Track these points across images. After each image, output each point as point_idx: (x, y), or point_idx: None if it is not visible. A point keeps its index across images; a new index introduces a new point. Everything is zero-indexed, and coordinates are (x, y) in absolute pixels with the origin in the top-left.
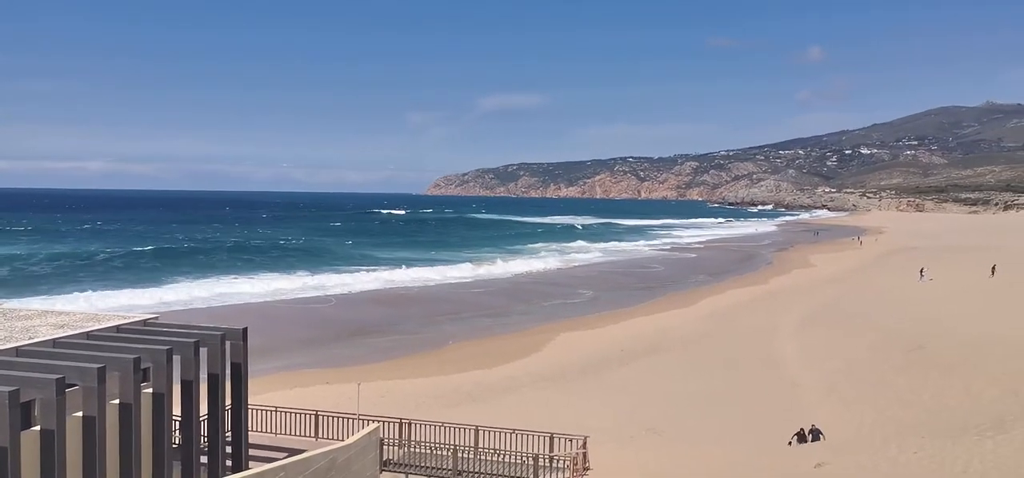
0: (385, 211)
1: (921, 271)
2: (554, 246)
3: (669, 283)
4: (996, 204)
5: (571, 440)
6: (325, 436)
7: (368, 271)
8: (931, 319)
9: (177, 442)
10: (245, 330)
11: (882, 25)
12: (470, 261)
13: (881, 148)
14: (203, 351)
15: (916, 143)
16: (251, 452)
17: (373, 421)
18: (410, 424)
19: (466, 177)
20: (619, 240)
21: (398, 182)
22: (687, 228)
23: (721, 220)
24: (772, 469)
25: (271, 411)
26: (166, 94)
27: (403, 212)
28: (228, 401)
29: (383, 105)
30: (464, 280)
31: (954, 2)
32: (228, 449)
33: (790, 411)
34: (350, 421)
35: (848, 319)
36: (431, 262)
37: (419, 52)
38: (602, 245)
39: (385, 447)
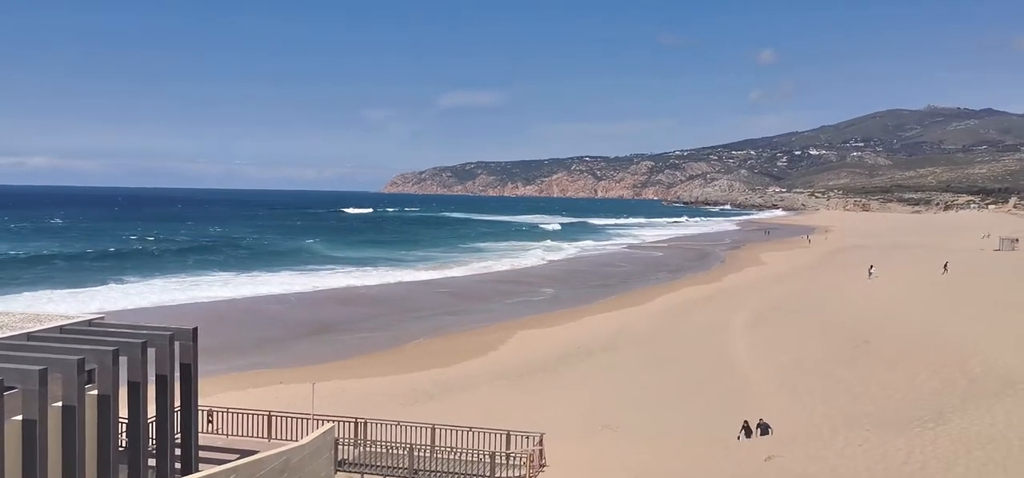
0: (350, 210)
1: (870, 268)
2: (516, 245)
3: (626, 281)
4: (937, 204)
5: (528, 437)
6: (278, 437)
7: (328, 270)
8: (877, 315)
9: (124, 445)
10: (195, 330)
11: (830, 30)
12: (431, 260)
13: (829, 149)
14: (151, 352)
15: (862, 145)
16: (201, 454)
17: (328, 421)
18: (365, 423)
19: (424, 175)
20: (580, 239)
21: (355, 180)
22: (644, 227)
23: (676, 219)
24: (724, 462)
25: (222, 412)
26: (113, 87)
27: (368, 211)
28: (177, 402)
29: (339, 101)
30: (425, 279)
31: (898, 9)
32: (177, 451)
33: (742, 405)
34: (304, 421)
35: (798, 315)
36: (392, 261)
37: (375, 47)
38: (564, 244)
39: (340, 447)
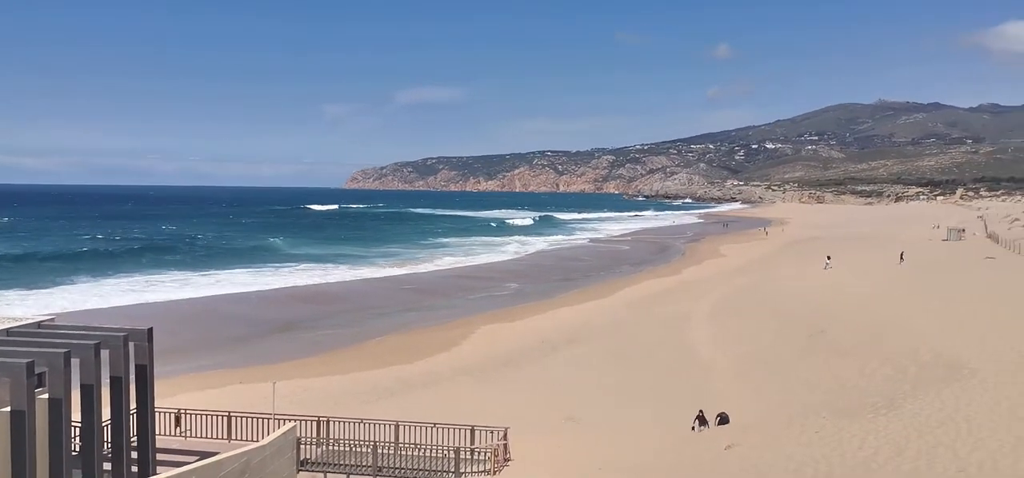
0: (315, 207)
1: (827, 259)
2: (479, 240)
3: (589, 275)
4: (888, 196)
5: (492, 432)
6: (238, 438)
7: (290, 268)
8: (832, 305)
9: (77, 449)
10: (150, 330)
11: (783, 25)
12: (395, 256)
13: (784, 143)
14: (105, 353)
15: (816, 138)
16: (159, 457)
17: (289, 420)
18: (328, 422)
19: (384, 171)
20: (543, 234)
21: (313, 176)
22: (606, 221)
23: (637, 213)
24: (685, 452)
25: (180, 413)
26: (60, 82)
27: (333, 208)
28: (133, 405)
29: (297, 97)
30: (388, 276)
31: (849, 6)
32: (134, 455)
33: (703, 396)
34: (265, 421)
35: (756, 306)
36: (356, 258)
37: (334, 43)
38: (527, 238)
39: (302, 446)
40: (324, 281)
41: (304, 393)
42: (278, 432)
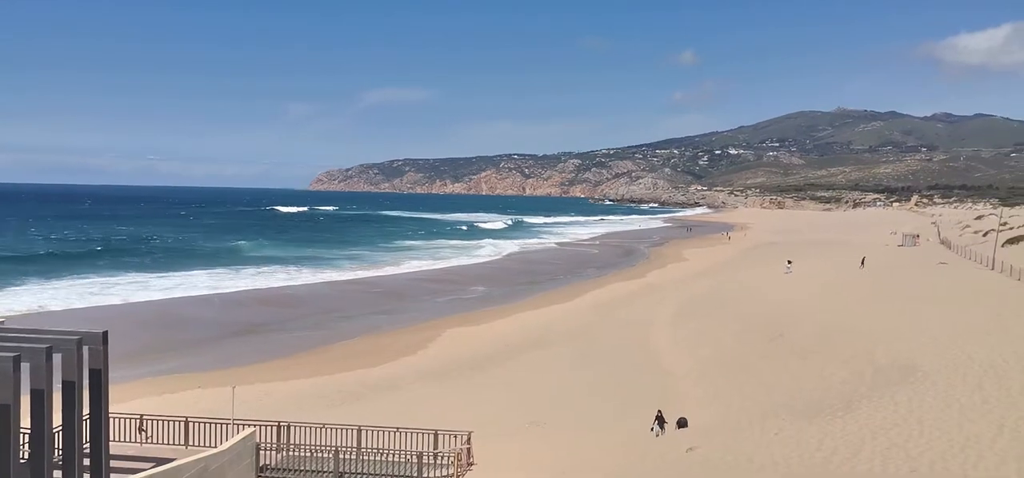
0: (283, 209)
1: (788, 263)
2: (447, 243)
3: (555, 278)
4: (846, 202)
5: (455, 436)
6: (196, 443)
7: (254, 270)
8: (792, 308)
9: (26, 457)
10: (105, 333)
11: (746, 34)
12: (360, 259)
13: (747, 149)
14: (57, 357)
15: (777, 145)
16: (113, 464)
17: (249, 425)
18: (289, 427)
19: (350, 172)
20: (510, 237)
21: (278, 176)
22: (572, 225)
23: (603, 217)
24: (648, 455)
25: (136, 419)
26: (13, 77)
27: (303, 209)
28: (86, 410)
29: (261, 96)
30: (354, 279)
31: (811, 17)
32: (86, 462)
33: (665, 399)
34: (224, 426)
35: (718, 310)
36: (323, 261)
37: (299, 41)
38: (494, 242)
39: (262, 452)
40: (288, 284)
41: (265, 398)
42: (237, 437)
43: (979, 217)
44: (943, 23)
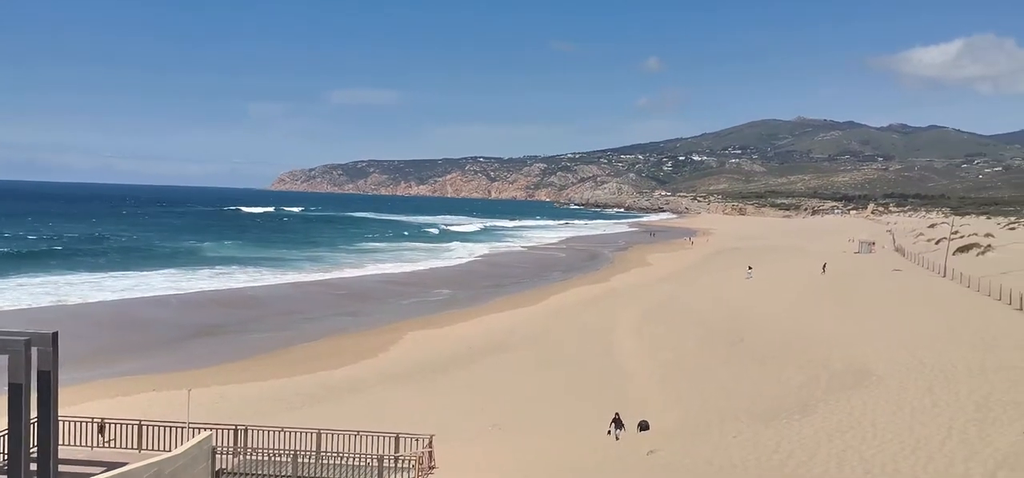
0: (249, 209)
1: (749, 269)
2: (413, 245)
3: (520, 281)
4: (805, 209)
5: (417, 439)
6: (150, 448)
7: (213, 271)
8: (753, 313)
9: None
10: (55, 334)
11: (711, 42)
12: (322, 261)
13: (710, 156)
14: (3, 359)
15: (739, 152)
16: (62, 469)
17: (205, 429)
18: (246, 430)
19: (313, 173)
20: (476, 240)
21: (240, 176)
22: (537, 229)
23: (569, 221)
24: (609, 457)
25: (87, 423)
26: None
27: (269, 210)
28: (34, 413)
29: (223, 94)
30: (316, 280)
31: (772, 28)
32: (34, 467)
33: (627, 402)
34: (179, 430)
35: (680, 314)
36: (285, 262)
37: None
38: (462, 244)
39: (218, 456)
40: (249, 285)
41: (222, 401)
42: (192, 441)
43: (932, 226)
44: (899, 37)
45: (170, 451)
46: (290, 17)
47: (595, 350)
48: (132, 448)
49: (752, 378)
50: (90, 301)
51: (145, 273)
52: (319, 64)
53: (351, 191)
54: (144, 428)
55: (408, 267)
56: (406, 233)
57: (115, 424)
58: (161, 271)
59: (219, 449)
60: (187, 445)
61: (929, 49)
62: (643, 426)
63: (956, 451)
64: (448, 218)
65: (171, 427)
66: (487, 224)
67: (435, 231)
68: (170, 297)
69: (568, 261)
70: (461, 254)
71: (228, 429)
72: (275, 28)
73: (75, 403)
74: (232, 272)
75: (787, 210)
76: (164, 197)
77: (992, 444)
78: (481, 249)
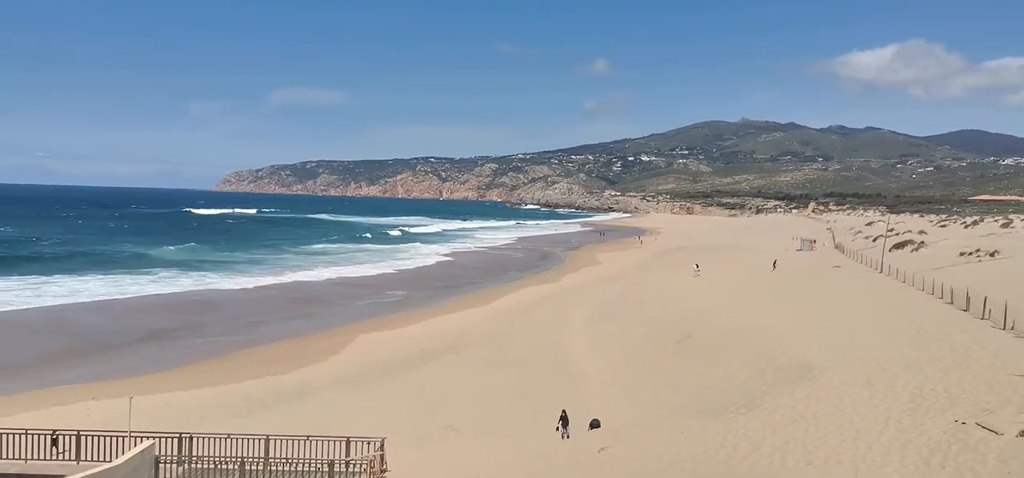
0: (200, 211)
1: (696, 267)
2: (367, 247)
3: (471, 282)
4: (750, 208)
5: (368, 443)
6: (89, 459)
7: (154, 274)
8: (700, 310)
9: None
10: None
11: (657, 46)
12: (272, 263)
13: (658, 156)
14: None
15: (686, 153)
16: None
17: (147, 438)
18: (191, 438)
19: (260, 173)
20: (429, 241)
21: (180, 176)
22: (489, 229)
23: (520, 221)
24: (561, 456)
25: (20, 434)
26: None
27: (224, 211)
28: None
29: (162, 92)
30: (264, 283)
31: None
32: None
33: (579, 400)
34: (120, 440)
35: (629, 312)
36: (230, 264)
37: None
38: (415, 245)
39: (162, 466)
40: (195, 288)
41: (166, 408)
42: (134, 451)
43: (869, 224)
44: (837, 41)
45: (110, 462)
46: (234, 13)
47: (547, 349)
48: (69, 460)
49: (700, 374)
50: (22, 307)
51: (84, 278)
52: (264, 62)
53: (300, 192)
54: (82, 438)
55: (358, 268)
56: (358, 234)
57: (45, 435)
58: (101, 275)
59: (163, 458)
60: (128, 455)
61: (865, 54)
62: (594, 424)
63: (893, 440)
64: (399, 219)
65: (111, 436)
66: (438, 224)
67: (386, 232)
68: (112, 302)
69: (520, 261)
70: (411, 254)
71: (172, 437)
72: (219, 24)
73: (7, 415)
74: (179, 276)
75: (732, 209)
76: (101, 198)
77: (926, 432)
78: (432, 249)
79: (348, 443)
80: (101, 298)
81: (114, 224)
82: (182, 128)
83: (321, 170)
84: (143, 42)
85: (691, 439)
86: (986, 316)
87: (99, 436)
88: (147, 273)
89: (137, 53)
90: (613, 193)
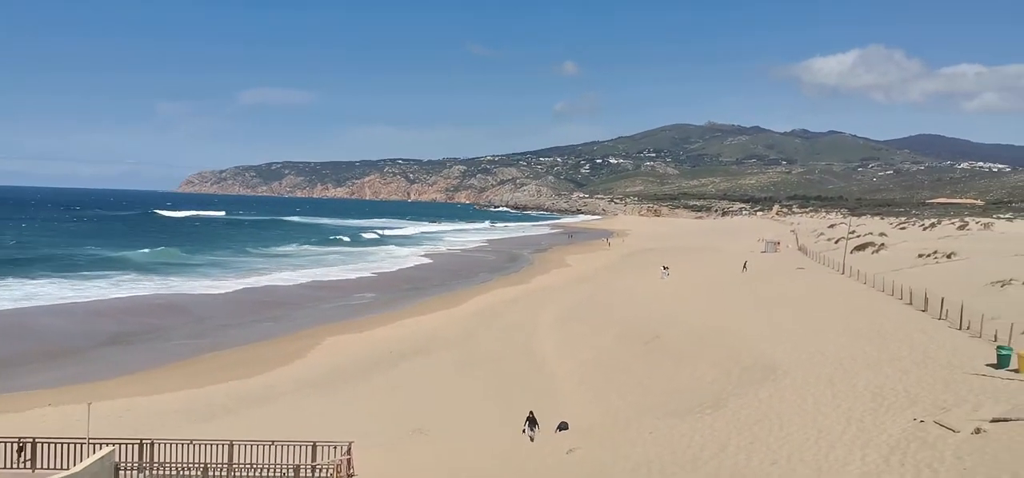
0: (168, 213)
1: (663, 268)
2: (336, 249)
3: (441, 284)
4: (716, 210)
5: (335, 447)
6: (45, 467)
7: (115, 277)
8: (668, 311)
9: None
10: None
11: (625, 49)
12: (237, 266)
13: (626, 159)
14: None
15: (654, 156)
16: None
17: (107, 444)
18: (152, 444)
19: (224, 174)
20: (398, 243)
21: (142, 178)
22: (458, 231)
23: (489, 223)
24: (530, 458)
25: (23, 442)
26: None
27: (192, 213)
28: None
29: (123, 91)
30: (230, 286)
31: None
32: None
33: (548, 402)
34: (78, 446)
35: (598, 313)
36: (195, 267)
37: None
38: (383, 248)
39: (121, 473)
40: (158, 292)
41: (127, 413)
42: (92, 458)
43: (832, 226)
44: (800, 46)
45: (67, 469)
46: (198, 13)
47: (516, 351)
48: (24, 468)
49: (667, 374)
50: None
51: (42, 281)
52: (229, 62)
53: (265, 193)
54: (38, 446)
55: (326, 270)
56: (326, 236)
57: (4, 443)
58: (61, 278)
59: (123, 465)
60: (87, 462)
61: (828, 59)
62: (562, 426)
63: (854, 439)
64: (368, 221)
65: (69, 443)
66: (407, 226)
67: (355, 234)
68: (72, 306)
69: (489, 263)
70: (380, 257)
71: (133, 444)
72: (183, 24)
73: None
74: (144, 279)
75: (699, 211)
76: (63, 199)
77: (886, 431)
78: (401, 252)
79: (314, 448)
80: (60, 301)
81: (74, 225)
82: (147, 129)
83: (287, 171)
84: (108, 43)
85: (659, 439)
86: (943, 316)
87: (56, 443)
88: (109, 276)
89: (101, 54)
90: (582, 195)
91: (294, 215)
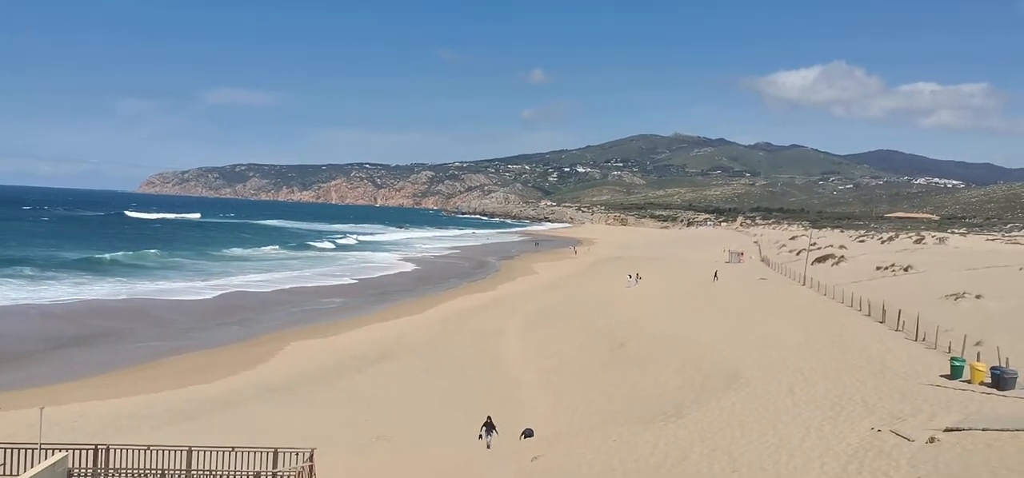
0: (135, 214)
1: (633, 276)
2: (301, 253)
3: (407, 290)
4: (682, 220)
5: (297, 454)
6: None
7: (68, 279)
8: (633, 319)
9: None
10: None
11: (593, 58)
12: (200, 270)
13: (593, 168)
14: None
15: (621, 165)
16: None
17: (60, 450)
18: (107, 450)
19: (187, 175)
20: (366, 248)
21: (102, 177)
22: (425, 237)
23: (456, 230)
24: (494, 466)
25: None
26: None
27: (158, 215)
28: None
29: (81, 88)
30: (191, 289)
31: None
32: None
33: (513, 408)
34: (29, 452)
35: (563, 321)
36: (154, 269)
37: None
38: (350, 253)
39: None
40: (122, 295)
41: (81, 419)
42: (44, 464)
43: (793, 238)
44: (765, 61)
45: (18, 476)
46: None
47: (481, 358)
48: None
49: (632, 382)
50: None
51: None
52: (192, 61)
53: (229, 195)
54: None
55: (291, 274)
56: (290, 240)
57: None
58: (16, 280)
59: (76, 471)
60: (38, 468)
61: (791, 73)
62: (527, 433)
63: (814, 447)
64: (336, 226)
65: (19, 449)
66: (374, 231)
67: (321, 238)
68: (27, 307)
69: (456, 269)
70: (347, 261)
71: (87, 450)
72: (146, 21)
73: None
74: (106, 280)
75: (664, 221)
76: (20, 198)
77: (844, 440)
78: (368, 257)
79: (276, 454)
80: (13, 303)
81: (30, 225)
82: (107, 128)
83: (251, 174)
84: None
85: (623, 447)
86: (900, 328)
87: (5, 449)
88: (68, 277)
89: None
90: (549, 203)
91: (270, 219)
